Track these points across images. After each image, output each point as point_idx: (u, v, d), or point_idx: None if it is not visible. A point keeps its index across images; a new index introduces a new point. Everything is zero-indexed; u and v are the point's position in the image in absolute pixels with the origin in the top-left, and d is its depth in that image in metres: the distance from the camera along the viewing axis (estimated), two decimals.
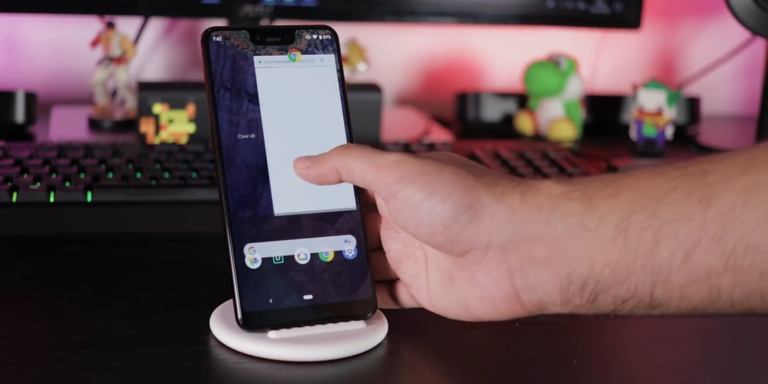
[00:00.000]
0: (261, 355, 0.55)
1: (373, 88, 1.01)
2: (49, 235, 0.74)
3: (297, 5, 1.05)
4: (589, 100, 1.18)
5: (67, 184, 0.77)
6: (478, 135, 1.13)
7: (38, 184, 0.76)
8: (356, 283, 0.57)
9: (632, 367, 0.58)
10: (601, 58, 1.31)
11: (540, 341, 0.59)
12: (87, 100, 1.13)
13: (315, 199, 0.58)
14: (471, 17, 1.09)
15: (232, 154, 0.57)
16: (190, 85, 0.99)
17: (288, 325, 0.56)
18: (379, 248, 0.59)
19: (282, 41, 0.59)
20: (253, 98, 0.58)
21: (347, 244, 0.58)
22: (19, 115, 1.03)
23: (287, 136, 0.58)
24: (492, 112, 1.17)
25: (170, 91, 0.96)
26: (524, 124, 1.13)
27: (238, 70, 0.58)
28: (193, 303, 0.62)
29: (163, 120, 0.95)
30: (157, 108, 0.95)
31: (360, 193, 0.58)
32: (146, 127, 0.95)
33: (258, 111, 0.57)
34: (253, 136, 0.57)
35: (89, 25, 1.10)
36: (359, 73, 1.11)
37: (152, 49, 1.19)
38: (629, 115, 1.16)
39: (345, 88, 0.60)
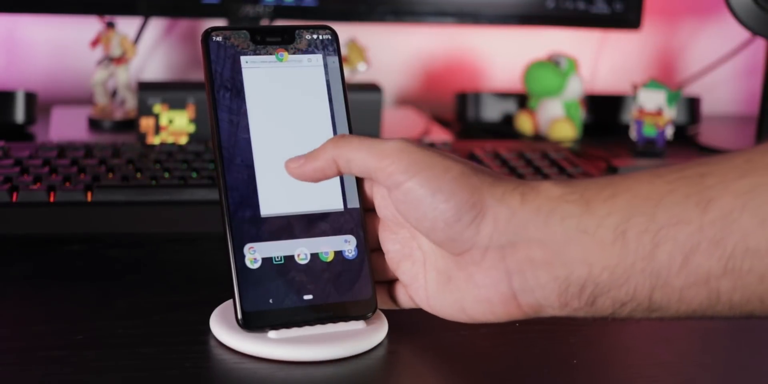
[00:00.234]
0: (261, 355, 0.55)
1: (373, 88, 1.01)
2: (49, 235, 0.74)
3: (297, 5, 1.05)
4: (589, 100, 1.18)
5: (67, 184, 0.77)
6: (478, 135, 1.13)
7: (38, 184, 0.76)
8: (356, 283, 0.57)
9: (632, 367, 0.58)
10: (601, 58, 1.31)
11: (540, 341, 0.59)
12: (87, 100, 1.13)
13: (306, 200, 0.57)
14: (471, 17, 1.09)
15: (232, 154, 0.57)
16: (190, 85, 0.99)
17: (288, 325, 0.56)
18: (378, 249, 0.59)
19: (282, 41, 0.59)
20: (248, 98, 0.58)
21: (347, 244, 0.58)
22: (19, 115, 1.03)
23: (274, 137, 0.58)
24: (492, 112, 1.17)
25: (170, 91, 0.96)
26: (524, 124, 1.13)
27: (238, 70, 0.58)
28: (193, 303, 0.62)
29: (163, 120, 0.95)
30: (157, 108, 0.95)
31: (360, 192, 0.58)
32: (146, 127, 0.95)
33: (246, 112, 0.57)
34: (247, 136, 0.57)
35: (89, 25, 1.10)
36: (359, 73, 1.11)
37: (152, 49, 1.19)
38: (629, 115, 1.16)
39: (345, 87, 0.60)
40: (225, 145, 0.56)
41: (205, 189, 0.78)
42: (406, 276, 0.57)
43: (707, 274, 0.47)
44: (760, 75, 1.18)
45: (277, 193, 0.57)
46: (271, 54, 0.59)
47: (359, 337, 0.56)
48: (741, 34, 1.16)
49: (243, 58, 0.58)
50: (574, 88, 1.11)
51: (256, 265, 0.56)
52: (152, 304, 0.63)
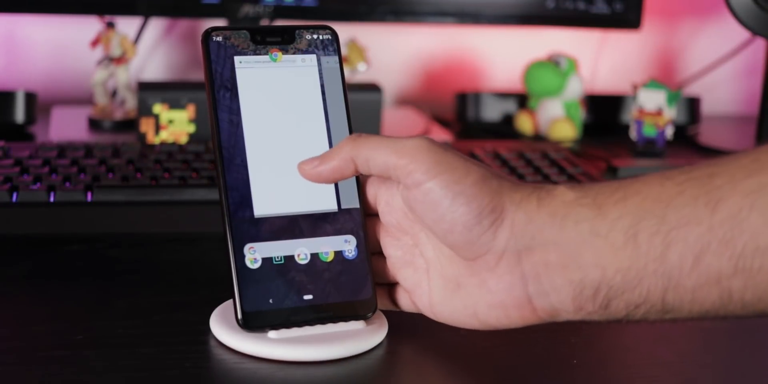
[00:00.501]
0: (261, 355, 0.55)
1: (373, 88, 1.01)
2: (49, 235, 0.74)
3: (297, 5, 1.05)
4: (589, 100, 1.18)
5: (67, 184, 0.77)
6: (478, 135, 1.13)
7: (38, 184, 0.76)
8: (356, 283, 0.57)
9: (632, 367, 0.58)
10: (601, 58, 1.31)
11: (540, 341, 0.59)
12: (87, 100, 1.13)
13: (301, 200, 0.57)
14: (471, 17, 1.09)
15: (232, 154, 0.57)
16: (190, 85, 0.99)
17: (288, 325, 0.56)
18: (379, 252, 0.59)
19: (282, 41, 0.59)
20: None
21: (347, 244, 0.58)
22: (19, 115, 1.03)
23: (267, 137, 0.57)
24: (492, 112, 1.17)
25: (170, 91, 0.96)
26: (524, 124, 1.13)
27: (235, 70, 0.58)
28: (193, 303, 0.62)
29: (163, 120, 0.95)
30: (157, 108, 0.95)
31: (361, 194, 0.58)
32: (146, 127, 0.95)
33: (239, 112, 0.57)
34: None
35: (89, 25, 1.10)
36: (359, 73, 1.11)
37: (152, 49, 1.19)
38: (629, 115, 1.16)
39: (345, 88, 0.60)
40: (225, 145, 0.56)
41: (205, 189, 0.78)
42: (408, 282, 0.57)
43: (718, 273, 0.47)
44: (760, 75, 1.18)
45: (271, 194, 0.57)
46: (266, 54, 0.58)
47: (359, 337, 0.56)
48: (741, 34, 1.16)
49: (237, 58, 0.58)
50: (574, 88, 1.11)
51: (256, 265, 0.56)
52: (152, 304, 0.63)
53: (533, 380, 0.56)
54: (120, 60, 1.08)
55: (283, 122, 0.58)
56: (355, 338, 0.56)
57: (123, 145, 0.85)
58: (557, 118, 1.11)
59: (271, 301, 0.55)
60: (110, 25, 1.06)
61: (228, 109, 0.57)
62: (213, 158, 0.61)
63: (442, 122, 1.15)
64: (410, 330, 0.59)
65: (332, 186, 0.58)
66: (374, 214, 0.58)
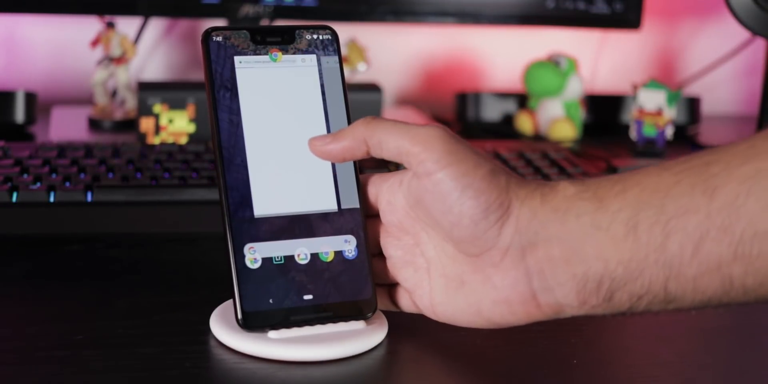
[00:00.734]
0: (261, 355, 0.55)
1: (373, 88, 1.01)
2: (49, 235, 0.74)
3: (297, 5, 1.05)
4: (589, 100, 1.18)
5: (67, 184, 0.77)
6: (478, 135, 1.13)
7: (38, 184, 0.76)
8: (356, 283, 0.57)
9: (632, 367, 0.58)
10: (601, 58, 1.31)
11: (540, 341, 0.59)
12: (87, 100, 1.13)
13: (301, 200, 0.57)
14: (471, 17, 1.09)
15: (232, 154, 0.57)
16: (190, 85, 0.99)
17: (288, 325, 0.56)
18: (379, 253, 0.59)
19: (282, 41, 0.59)
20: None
21: (347, 244, 0.58)
22: (19, 115, 1.03)
23: (267, 137, 0.57)
24: (492, 112, 1.17)
25: (170, 91, 0.96)
26: (524, 124, 1.13)
27: (235, 70, 0.58)
28: (193, 303, 0.62)
29: (163, 120, 0.95)
30: (157, 108, 0.95)
31: (361, 195, 0.58)
32: (146, 127, 0.95)
33: (239, 112, 0.57)
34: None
35: (89, 25, 1.10)
36: (359, 73, 1.11)
37: (152, 49, 1.19)
38: (629, 115, 1.16)
39: (345, 88, 0.60)
40: (225, 145, 0.56)
41: (205, 189, 0.78)
42: (409, 283, 0.57)
43: (718, 261, 0.48)
44: (760, 75, 1.18)
45: (271, 194, 0.57)
46: (266, 54, 0.58)
47: (359, 337, 0.56)
48: (741, 34, 1.16)
49: (237, 58, 0.58)
50: (574, 88, 1.11)
51: (256, 265, 0.56)
52: (152, 304, 0.63)
53: (533, 380, 0.56)
54: (120, 60, 1.08)
55: (283, 122, 0.58)
56: (355, 338, 0.56)
57: (123, 145, 0.85)
58: (557, 118, 1.11)
59: (271, 301, 0.55)
60: (110, 25, 1.06)
61: (228, 109, 0.57)
62: (213, 158, 0.61)
63: (442, 122, 1.15)
64: (410, 330, 0.59)
65: (332, 186, 0.58)
66: (374, 215, 0.58)
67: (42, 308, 0.62)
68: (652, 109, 1.06)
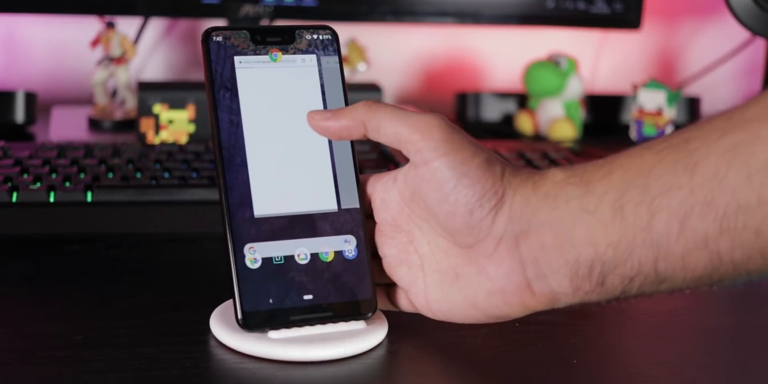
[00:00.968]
0: (261, 355, 0.55)
1: (373, 88, 1.01)
2: (49, 235, 0.74)
3: (297, 5, 1.05)
4: (589, 100, 1.18)
5: (67, 184, 0.77)
6: (478, 135, 1.11)
7: (38, 184, 0.76)
8: (356, 283, 0.57)
9: (632, 367, 0.58)
10: (601, 58, 1.31)
11: (540, 341, 0.59)
12: (87, 100, 1.13)
13: (301, 200, 0.57)
14: (471, 17, 1.09)
15: (232, 154, 0.57)
16: (190, 85, 0.99)
17: (288, 325, 0.56)
18: (375, 254, 0.59)
19: (282, 41, 0.59)
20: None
21: (347, 244, 0.58)
22: (19, 115, 1.03)
23: (267, 137, 0.57)
24: (492, 112, 1.17)
25: (170, 91, 0.96)
26: (524, 124, 1.13)
27: (235, 70, 0.58)
28: (193, 303, 0.62)
29: (163, 120, 0.95)
30: (157, 108, 0.95)
31: (360, 192, 0.58)
32: (146, 127, 0.95)
33: (239, 112, 0.57)
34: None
35: (89, 25, 1.10)
36: (359, 73, 1.11)
37: (152, 49, 1.19)
38: (629, 115, 1.16)
39: (345, 88, 0.60)
40: (225, 145, 0.56)
41: (205, 189, 0.78)
42: (404, 281, 0.57)
43: (705, 236, 0.48)
44: (760, 75, 1.18)
45: (271, 194, 0.57)
46: (266, 54, 0.58)
47: (359, 337, 0.56)
48: (741, 34, 1.16)
49: (237, 58, 0.58)
50: (574, 88, 1.11)
51: (256, 265, 0.56)
52: (152, 304, 0.63)
53: (533, 380, 0.56)
54: (120, 60, 1.08)
55: (283, 122, 0.58)
56: (355, 338, 0.56)
57: (123, 145, 0.85)
58: (557, 118, 1.11)
59: (271, 301, 0.55)
60: (110, 25, 1.06)
61: (228, 109, 0.57)
62: (213, 158, 0.61)
63: None
64: (410, 330, 0.59)
65: (332, 186, 0.58)
66: (369, 216, 0.58)
67: (42, 308, 0.62)
68: (652, 109, 1.06)
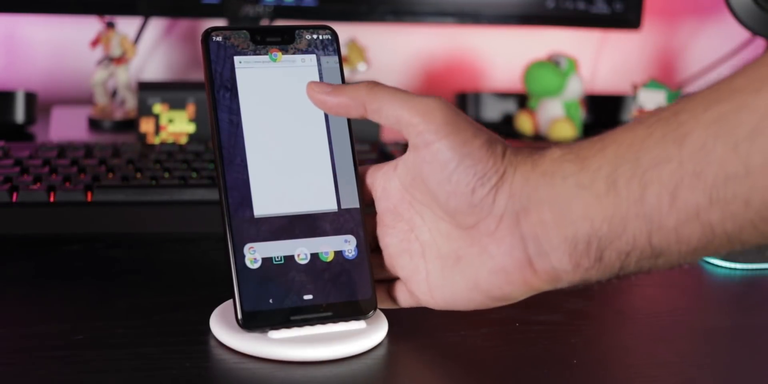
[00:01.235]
0: (261, 355, 0.55)
1: None
2: (49, 235, 0.74)
3: (297, 5, 1.05)
4: (589, 100, 1.18)
5: (67, 184, 0.77)
6: None
7: (38, 184, 0.76)
8: (356, 283, 0.57)
9: (632, 367, 0.58)
10: (601, 58, 1.31)
11: (540, 341, 0.59)
12: (87, 100, 1.13)
13: (301, 200, 0.57)
14: (471, 17, 1.09)
15: (232, 154, 0.57)
16: (190, 85, 0.99)
17: (288, 325, 0.56)
18: (375, 249, 0.59)
19: (282, 41, 0.59)
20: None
21: (347, 244, 0.58)
22: (19, 115, 1.03)
23: (267, 137, 0.57)
24: (492, 112, 1.17)
25: (170, 91, 0.96)
26: (524, 124, 1.13)
27: (235, 70, 0.58)
28: (193, 303, 0.62)
29: (163, 120, 0.95)
30: (157, 108, 0.95)
31: (361, 192, 0.58)
32: (146, 127, 0.95)
33: (239, 112, 0.57)
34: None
35: (89, 25, 1.10)
36: (359, 73, 1.11)
37: (152, 49, 1.19)
38: (629, 115, 1.16)
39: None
40: (225, 145, 0.56)
41: (205, 189, 0.78)
42: (406, 270, 0.57)
43: (696, 208, 0.48)
44: None
45: (271, 194, 0.57)
46: (265, 54, 0.59)
47: (359, 337, 0.56)
48: (741, 34, 1.16)
49: (237, 58, 0.58)
50: (574, 88, 1.11)
51: (256, 265, 0.56)
52: (152, 304, 0.63)
53: (533, 380, 0.56)
54: (120, 60, 1.08)
55: (283, 122, 0.58)
56: (355, 338, 0.56)
57: (123, 145, 0.85)
58: (557, 118, 1.11)
59: (271, 301, 0.55)
60: (110, 25, 1.06)
61: (228, 109, 0.57)
62: (213, 158, 0.61)
63: None
64: (410, 330, 0.59)
65: (332, 186, 0.58)
66: (370, 209, 0.58)
67: (42, 308, 0.62)
68: (652, 109, 1.06)
